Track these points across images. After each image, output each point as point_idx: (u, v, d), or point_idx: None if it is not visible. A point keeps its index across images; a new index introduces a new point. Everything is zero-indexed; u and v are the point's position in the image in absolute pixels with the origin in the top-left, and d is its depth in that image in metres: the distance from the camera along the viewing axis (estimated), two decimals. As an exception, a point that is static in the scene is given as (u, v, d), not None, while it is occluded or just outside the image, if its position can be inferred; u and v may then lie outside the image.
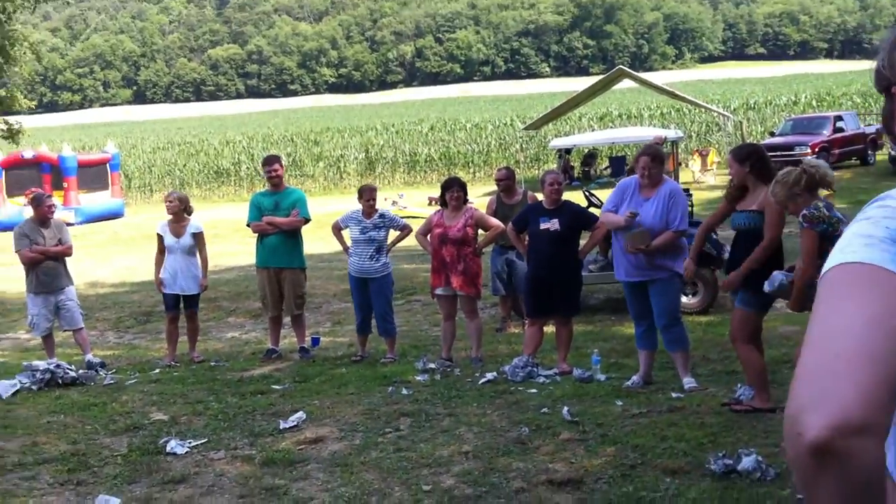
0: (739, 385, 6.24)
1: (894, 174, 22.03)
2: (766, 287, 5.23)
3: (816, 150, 23.22)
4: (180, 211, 8.95)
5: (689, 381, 6.68)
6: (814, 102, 37.97)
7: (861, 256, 1.13)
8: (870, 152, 26.06)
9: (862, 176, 23.43)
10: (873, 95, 38.43)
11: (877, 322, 1.06)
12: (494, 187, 10.14)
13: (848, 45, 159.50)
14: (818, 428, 1.01)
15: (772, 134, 26.78)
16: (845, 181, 22.29)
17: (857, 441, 1.00)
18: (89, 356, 8.81)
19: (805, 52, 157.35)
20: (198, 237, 8.99)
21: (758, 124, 34.01)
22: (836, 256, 1.16)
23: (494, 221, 8.37)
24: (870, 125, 28.10)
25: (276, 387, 7.61)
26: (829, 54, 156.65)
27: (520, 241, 7.87)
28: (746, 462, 4.76)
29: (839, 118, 25.54)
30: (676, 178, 12.63)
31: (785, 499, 4.43)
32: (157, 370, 8.65)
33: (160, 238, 9.01)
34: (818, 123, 25.36)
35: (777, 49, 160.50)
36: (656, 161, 6.62)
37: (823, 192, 5.37)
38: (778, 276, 5.21)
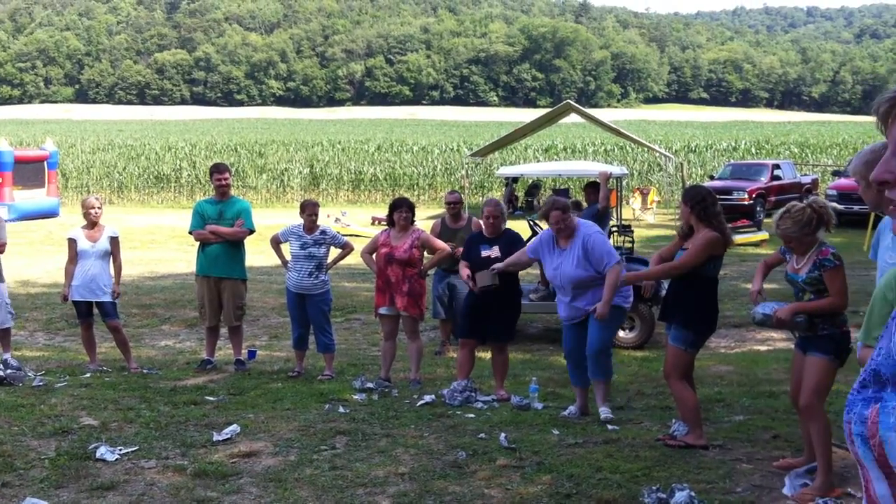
0: (674, 420, 6.34)
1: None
2: (758, 316, 5.30)
3: (754, 195, 23.80)
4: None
5: (605, 411, 6.76)
6: (753, 149, 38.88)
7: None
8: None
9: (795, 224, 24.00)
10: (810, 146, 39.57)
11: None
12: (439, 211, 10.20)
13: (788, 96, 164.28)
14: None
15: (711, 177, 27.35)
16: (779, 228, 22.83)
17: None
18: (7, 356, 8.54)
19: (746, 99, 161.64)
20: (114, 242, 8.63)
21: (698, 167, 34.70)
22: None
23: (441, 244, 8.39)
24: (805, 175, 28.91)
25: (210, 398, 7.49)
26: (770, 104, 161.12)
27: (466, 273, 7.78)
28: (679, 497, 4.82)
29: (777, 166, 26.20)
30: (619, 215, 12.83)
31: (715, 535, 4.50)
32: (88, 374, 8.46)
33: (72, 244, 8.54)
34: (756, 170, 25.99)
35: (719, 95, 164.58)
36: (567, 213, 6.76)
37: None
38: (769, 306, 5.30)
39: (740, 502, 4.96)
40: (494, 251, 7.47)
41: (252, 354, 9.34)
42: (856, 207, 20.09)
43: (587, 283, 6.71)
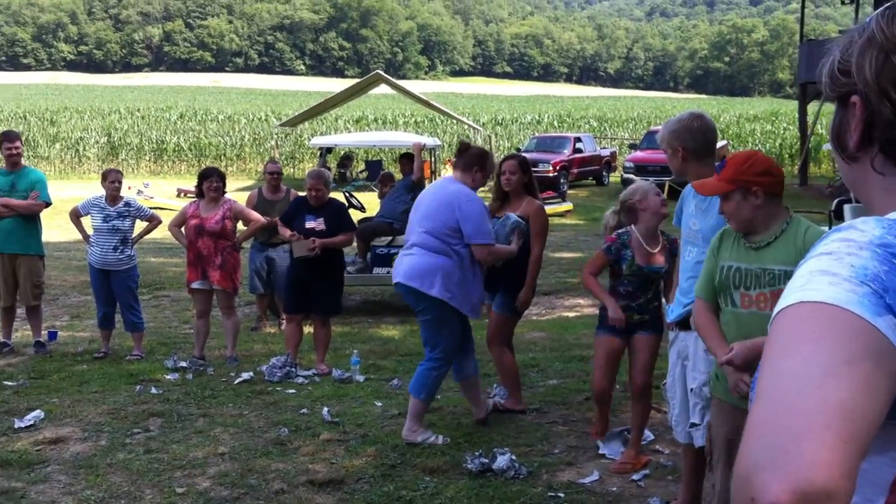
0: (495, 385, 6.50)
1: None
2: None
3: (558, 167, 24.70)
4: None
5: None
6: (555, 123, 40.28)
7: (825, 296, 0.98)
8: (604, 173, 28.16)
9: (597, 195, 25.21)
10: (608, 120, 41.42)
11: (840, 372, 0.92)
12: (249, 182, 9.99)
13: (586, 72, 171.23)
14: (777, 492, 0.87)
15: (518, 150, 28.15)
16: (581, 199, 23.86)
17: None
18: None
19: (547, 74, 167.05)
20: None
21: (505, 139, 35.59)
22: (794, 294, 1.00)
23: (255, 215, 8.16)
24: (604, 148, 30.31)
25: (9, 383, 7.00)
26: (569, 78, 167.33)
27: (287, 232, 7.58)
28: (501, 461, 4.95)
29: (578, 139, 27.30)
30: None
31: (537, 495, 4.65)
32: None
33: None
34: (560, 143, 26.98)
35: (522, 69, 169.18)
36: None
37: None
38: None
39: (558, 463, 5.16)
40: (319, 223, 7.34)
41: (53, 335, 8.78)
42: (651, 179, 21.23)
43: None
